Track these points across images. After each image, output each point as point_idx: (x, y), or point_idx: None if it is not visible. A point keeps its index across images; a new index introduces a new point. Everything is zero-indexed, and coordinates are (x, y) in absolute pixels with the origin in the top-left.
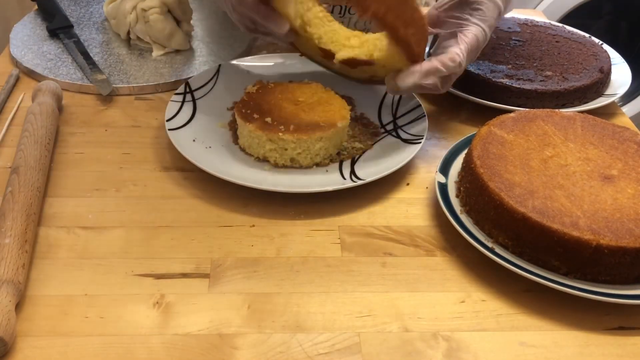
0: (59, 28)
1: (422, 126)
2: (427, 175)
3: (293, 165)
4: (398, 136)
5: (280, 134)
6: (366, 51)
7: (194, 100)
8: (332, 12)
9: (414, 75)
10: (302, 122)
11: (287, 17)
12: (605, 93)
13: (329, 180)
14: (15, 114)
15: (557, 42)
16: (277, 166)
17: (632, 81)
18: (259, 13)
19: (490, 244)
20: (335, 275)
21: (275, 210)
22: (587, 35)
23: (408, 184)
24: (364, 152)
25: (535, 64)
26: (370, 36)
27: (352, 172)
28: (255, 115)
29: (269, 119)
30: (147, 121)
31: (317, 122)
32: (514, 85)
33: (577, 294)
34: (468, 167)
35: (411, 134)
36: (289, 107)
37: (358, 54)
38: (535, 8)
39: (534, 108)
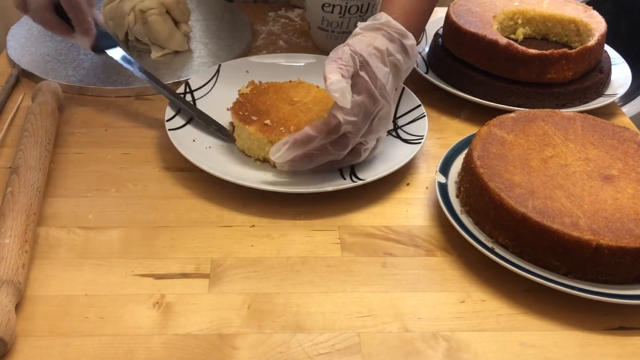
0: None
1: (422, 126)
2: (427, 175)
3: None
4: (398, 136)
5: (281, 136)
6: None
7: (194, 100)
8: (332, 12)
9: (285, 147)
10: (301, 122)
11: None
12: (605, 93)
13: (329, 180)
14: (15, 114)
15: None
16: (277, 167)
17: (632, 81)
18: (49, 24)
19: (490, 244)
20: (335, 275)
21: (275, 210)
22: None
23: (408, 184)
24: None
25: None
26: None
27: (352, 172)
28: (254, 117)
29: (268, 121)
30: (147, 121)
31: None
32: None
33: (577, 294)
34: (468, 167)
35: (411, 134)
36: (285, 108)
37: None
38: None
39: (534, 108)
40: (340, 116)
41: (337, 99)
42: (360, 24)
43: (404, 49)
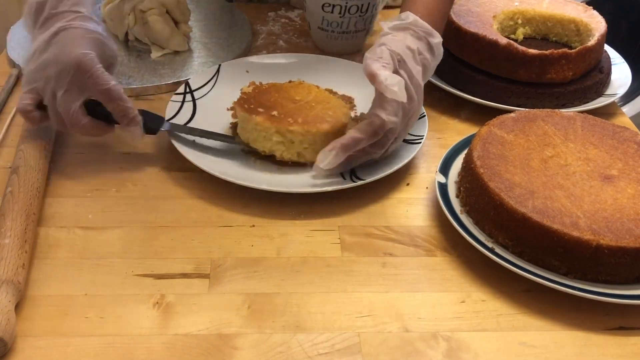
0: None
1: (422, 126)
2: (427, 175)
3: (299, 160)
4: None
5: (289, 126)
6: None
7: (194, 100)
8: (332, 12)
9: (332, 154)
10: (308, 116)
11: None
12: (605, 93)
13: (329, 180)
14: (15, 114)
15: None
16: (282, 161)
17: (632, 81)
18: (92, 131)
19: (490, 244)
20: (335, 275)
21: (275, 210)
22: None
23: (408, 184)
24: None
25: None
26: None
27: (352, 172)
28: (260, 109)
29: (275, 113)
30: None
31: (322, 117)
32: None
33: (577, 294)
34: (468, 167)
35: (411, 134)
36: (289, 105)
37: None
38: None
39: (534, 108)
40: (384, 115)
41: (395, 94)
42: (386, 24)
43: (430, 48)
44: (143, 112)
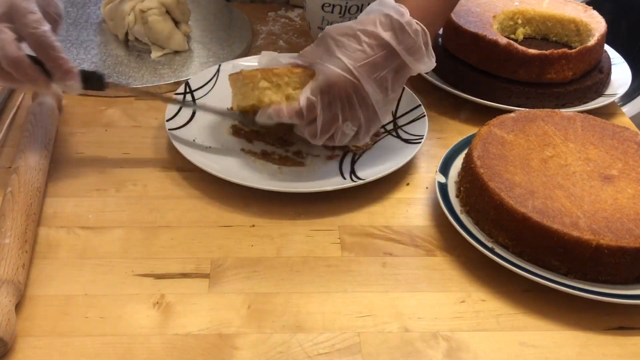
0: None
1: (422, 126)
2: (427, 175)
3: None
4: (398, 136)
5: (274, 69)
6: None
7: (194, 100)
8: (332, 12)
9: (264, 114)
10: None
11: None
12: (605, 93)
13: (329, 180)
14: (15, 114)
15: None
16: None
17: (632, 81)
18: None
19: (490, 244)
20: (335, 275)
21: (275, 210)
22: None
23: (408, 184)
24: (363, 152)
25: None
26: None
27: (352, 172)
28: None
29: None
30: (147, 121)
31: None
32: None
33: (577, 294)
34: (468, 167)
35: (411, 134)
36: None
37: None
38: None
39: (534, 108)
40: (302, 97)
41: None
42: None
43: (400, 27)
44: (83, 71)
